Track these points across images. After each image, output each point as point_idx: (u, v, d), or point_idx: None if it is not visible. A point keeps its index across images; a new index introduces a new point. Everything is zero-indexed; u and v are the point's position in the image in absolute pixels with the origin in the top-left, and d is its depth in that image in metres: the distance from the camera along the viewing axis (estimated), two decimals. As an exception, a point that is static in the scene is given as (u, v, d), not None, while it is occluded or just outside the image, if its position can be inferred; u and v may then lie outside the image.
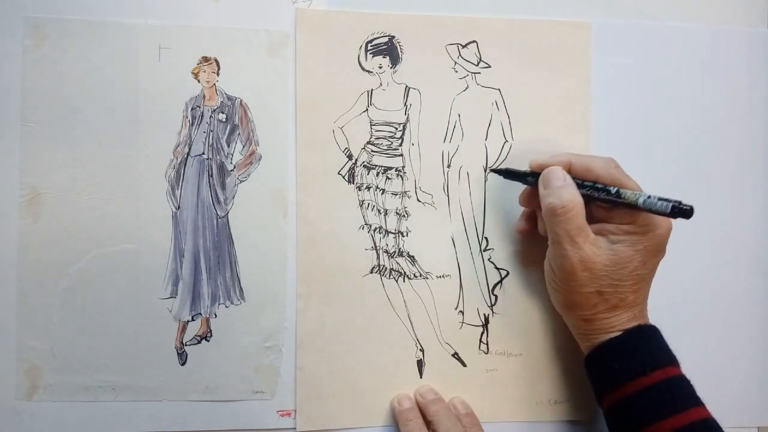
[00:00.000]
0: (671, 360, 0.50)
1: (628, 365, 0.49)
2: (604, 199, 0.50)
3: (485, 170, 0.59)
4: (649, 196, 0.48)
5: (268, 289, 0.57)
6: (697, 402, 0.48)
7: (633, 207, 0.49)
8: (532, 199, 0.55)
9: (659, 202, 0.47)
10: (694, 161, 0.61)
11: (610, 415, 0.51)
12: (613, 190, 0.50)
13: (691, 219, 0.61)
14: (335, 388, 0.57)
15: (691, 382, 0.49)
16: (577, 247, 0.49)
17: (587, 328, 0.52)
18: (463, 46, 0.59)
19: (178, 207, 0.57)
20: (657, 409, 0.47)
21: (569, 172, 0.52)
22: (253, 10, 0.57)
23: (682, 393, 0.49)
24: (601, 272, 0.49)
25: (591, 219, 0.51)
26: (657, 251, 0.50)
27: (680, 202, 0.47)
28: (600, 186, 0.50)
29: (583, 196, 0.50)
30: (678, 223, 0.60)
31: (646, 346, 0.50)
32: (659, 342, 0.51)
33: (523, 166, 0.56)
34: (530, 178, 0.54)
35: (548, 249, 0.52)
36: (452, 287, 0.59)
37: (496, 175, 0.57)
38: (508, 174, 0.56)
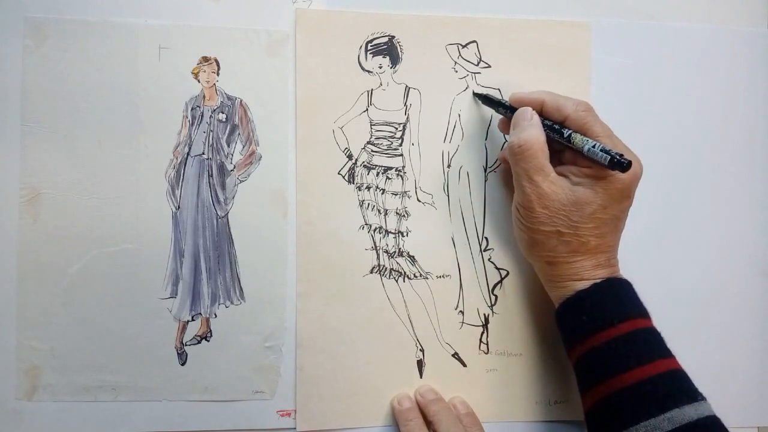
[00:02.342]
0: (640, 312, 0.50)
1: (595, 317, 0.49)
2: (558, 141, 0.51)
3: (485, 170, 0.59)
4: (594, 145, 0.49)
5: (268, 289, 0.57)
6: (666, 353, 0.48)
7: (579, 152, 0.50)
8: (507, 129, 0.56)
9: (600, 153, 0.48)
10: (694, 161, 0.61)
11: (577, 368, 0.51)
12: (566, 133, 0.50)
13: (691, 219, 0.61)
14: (335, 388, 0.57)
15: (665, 336, 0.49)
16: (535, 185, 0.50)
17: (553, 273, 0.52)
18: (463, 46, 0.59)
19: (178, 207, 0.57)
20: (623, 360, 0.47)
21: (541, 111, 0.53)
22: (253, 10, 0.57)
23: (650, 344, 0.48)
24: (559, 211, 0.49)
25: (564, 161, 0.52)
26: (620, 197, 0.50)
27: (620, 155, 0.47)
28: (557, 127, 0.51)
29: (548, 138, 0.51)
30: (678, 222, 0.61)
31: (614, 299, 0.50)
32: (629, 294, 0.50)
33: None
34: (503, 109, 0.56)
35: (514, 188, 0.53)
36: (452, 287, 0.59)
37: (475, 98, 0.58)
38: (486, 100, 0.57)
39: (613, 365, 0.48)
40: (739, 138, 0.62)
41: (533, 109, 0.52)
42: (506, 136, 0.58)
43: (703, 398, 0.47)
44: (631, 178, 0.49)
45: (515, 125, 0.52)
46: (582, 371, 0.51)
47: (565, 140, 0.51)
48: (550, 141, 0.51)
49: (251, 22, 0.57)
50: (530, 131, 0.51)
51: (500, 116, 0.57)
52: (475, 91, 0.59)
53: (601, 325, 0.49)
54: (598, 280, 0.50)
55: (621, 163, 0.47)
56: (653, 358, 0.48)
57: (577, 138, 0.50)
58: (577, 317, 0.50)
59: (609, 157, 0.47)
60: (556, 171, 0.51)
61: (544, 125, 0.52)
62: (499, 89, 0.59)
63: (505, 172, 0.59)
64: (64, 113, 0.55)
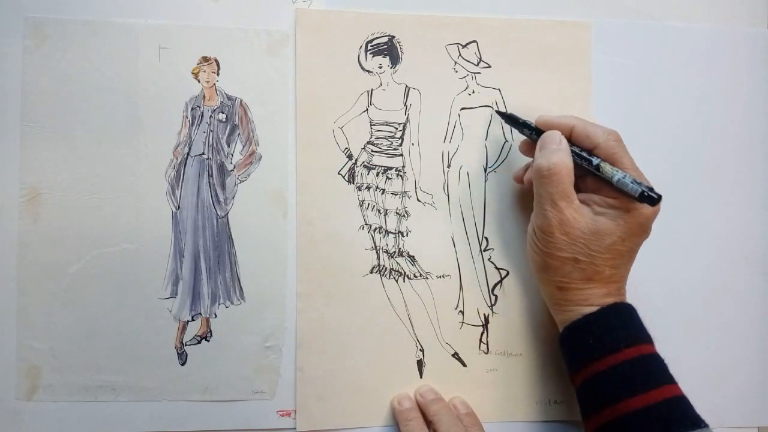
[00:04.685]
0: (646, 338, 0.50)
1: (602, 341, 0.49)
2: (587, 168, 0.51)
3: (485, 170, 0.59)
4: (625, 176, 0.48)
5: (268, 289, 0.57)
6: (670, 380, 0.48)
7: (608, 182, 0.49)
8: (530, 151, 0.55)
9: (631, 184, 0.48)
10: (694, 161, 0.61)
11: (582, 392, 0.51)
12: (595, 161, 0.50)
13: (691, 219, 0.61)
14: (335, 388, 0.57)
15: (666, 362, 0.49)
16: (558, 210, 0.49)
17: (561, 298, 0.52)
18: (463, 46, 0.59)
19: (178, 207, 0.57)
20: (629, 386, 0.47)
21: (570, 136, 0.52)
22: (253, 10, 0.57)
23: (655, 370, 0.49)
24: (578, 238, 0.49)
25: (584, 188, 0.52)
26: (640, 231, 0.50)
27: (651, 188, 0.48)
28: (585, 155, 0.51)
29: (574, 164, 0.51)
30: (678, 222, 0.61)
31: (622, 323, 0.50)
32: (635, 320, 0.51)
33: (523, 164, 0.56)
34: (527, 130, 0.54)
35: (533, 210, 0.53)
36: (452, 287, 0.59)
37: (498, 117, 0.57)
38: (510, 119, 0.56)
39: (622, 390, 0.48)
40: (739, 138, 0.62)
41: (563, 134, 0.52)
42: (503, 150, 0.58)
43: (706, 425, 0.47)
44: (653, 214, 0.50)
45: (542, 147, 0.51)
46: (588, 394, 0.50)
47: (593, 168, 0.50)
48: (575, 168, 0.50)
49: (251, 22, 0.57)
50: (560, 155, 0.50)
51: (523, 138, 0.56)
52: (498, 110, 0.58)
53: (609, 349, 0.49)
54: (605, 305, 0.50)
55: (651, 198, 0.47)
56: (660, 384, 0.48)
57: (607, 167, 0.49)
58: (583, 340, 0.50)
59: (640, 190, 0.47)
60: (578, 198, 0.50)
61: (572, 151, 0.51)
62: (499, 89, 0.59)
63: (505, 172, 0.59)
64: (64, 113, 0.55)
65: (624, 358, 0.48)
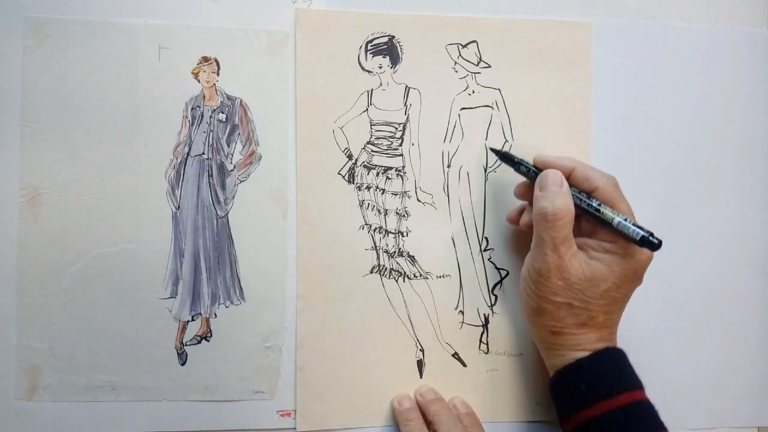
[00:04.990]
0: (637, 384, 0.50)
1: (595, 387, 0.49)
2: (586, 210, 0.50)
3: (485, 170, 0.59)
4: (625, 219, 0.48)
5: (268, 289, 0.57)
6: (661, 426, 0.48)
7: (608, 225, 0.49)
8: (527, 193, 0.54)
9: (632, 228, 0.48)
10: (694, 161, 0.61)
11: None
12: (595, 203, 0.50)
13: (691, 219, 0.61)
14: (335, 388, 0.57)
15: (665, 405, 0.49)
16: (559, 255, 0.49)
17: (554, 342, 0.51)
18: (463, 46, 0.59)
19: (178, 207, 0.57)
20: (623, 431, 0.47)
21: (569, 177, 0.51)
22: (253, 10, 0.57)
23: (647, 416, 0.49)
24: (574, 284, 0.49)
25: (578, 232, 0.51)
26: (633, 278, 0.50)
27: (651, 234, 0.47)
28: (584, 197, 0.50)
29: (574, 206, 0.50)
30: (678, 223, 0.61)
31: (615, 369, 0.50)
32: (626, 365, 0.50)
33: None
34: (524, 168, 0.54)
35: (529, 252, 0.52)
36: (452, 287, 0.59)
37: (493, 154, 0.56)
38: (505, 158, 0.55)
39: None
40: (739, 138, 0.62)
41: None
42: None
43: None
44: (648, 260, 0.50)
45: (543, 188, 0.51)
46: None
47: (593, 210, 0.50)
48: None
49: (251, 22, 0.57)
50: (563, 199, 0.49)
51: (520, 176, 0.54)
52: (493, 148, 0.57)
53: (601, 394, 0.48)
54: (598, 350, 0.50)
55: (652, 242, 0.47)
56: (654, 430, 0.48)
57: (608, 210, 0.49)
58: (575, 385, 0.50)
59: (642, 233, 0.47)
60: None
61: (572, 194, 0.50)
62: (499, 89, 0.59)
63: (504, 174, 0.59)
64: (64, 113, 0.55)
65: (617, 404, 0.48)
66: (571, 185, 0.51)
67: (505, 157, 0.55)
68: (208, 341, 0.56)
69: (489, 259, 0.59)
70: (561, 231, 0.49)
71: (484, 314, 0.59)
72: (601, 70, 0.60)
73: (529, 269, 0.52)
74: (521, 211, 0.55)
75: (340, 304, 0.57)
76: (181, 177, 0.57)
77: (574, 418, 0.50)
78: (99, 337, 0.55)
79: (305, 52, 0.57)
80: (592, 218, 0.50)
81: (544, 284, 0.50)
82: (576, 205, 0.50)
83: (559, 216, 0.49)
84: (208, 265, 0.57)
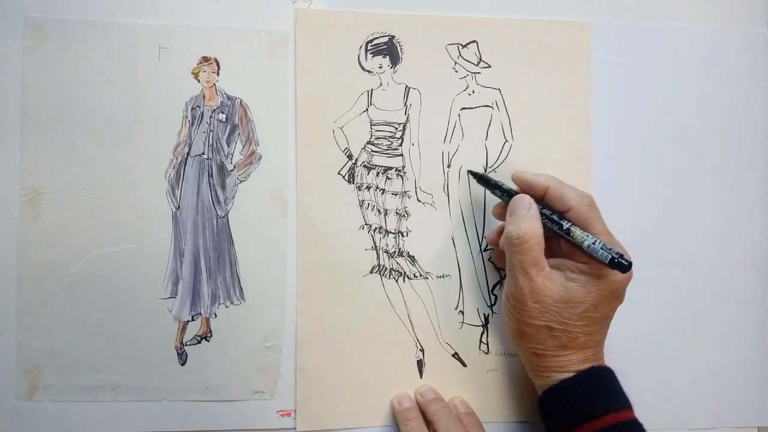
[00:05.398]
0: (624, 403, 0.49)
1: (580, 408, 0.48)
2: (557, 232, 0.50)
3: (485, 170, 0.59)
4: (595, 241, 0.48)
5: (268, 289, 0.57)
6: None
7: (578, 248, 0.49)
8: (503, 214, 0.54)
9: (601, 251, 0.47)
10: (694, 161, 0.61)
11: None
12: (566, 225, 0.49)
13: (691, 219, 0.61)
14: (335, 388, 0.57)
15: (655, 421, 0.49)
16: (529, 279, 0.49)
17: (539, 364, 0.51)
18: (463, 46, 0.59)
19: (178, 207, 0.57)
20: None
21: (544, 196, 0.51)
22: (253, 10, 0.57)
23: None
24: (550, 307, 0.49)
25: (558, 252, 0.52)
26: (612, 298, 0.50)
27: (621, 255, 0.47)
28: (556, 218, 0.50)
29: (544, 226, 0.50)
30: (678, 223, 0.61)
31: (599, 389, 0.49)
32: (613, 384, 0.50)
33: (524, 167, 0.56)
34: (499, 191, 0.54)
35: (506, 277, 0.52)
36: (452, 287, 0.59)
37: (470, 176, 0.57)
38: (483, 180, 0.56)
39: None
40: (739, 138, 0.62)
41: (536, 194, 0.51)
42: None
43: None
44: (626, 280, 0.49)
45: (512, 212, 0.51)
46: None
47: (563, 233, 0.49)
48: (545, 230, 0.50)
49: (251, 22, 0.57)
50: (529, 222, 0.49)
51: (496, 199, 0.55)
52: (471, 171, 0.57)
53: (586, 416, 0.48)
54: (582, 370, 0.50)
55: (621, 264, 0.46)
56: None
57: (577, 232, 0.49)
58: (561, 406, 0.50)
59: (610, 256, 0.47)
60: (550, 264, 0.50)
61: (542, 215, 0.50)
62: (499, 89, 0.59)
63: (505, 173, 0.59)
64: (64, 113, 0.55)
65: (602, 426, 0.47)
66: (545, 205, 0.51)
67: (483, 179, 0.56)
68: (208, 341, 0.56)
69: (489, 259, 0.59)
70: (527, 254, 0.49)
71: (484, 314, 0.59)
72: (601, 70, 0.60)
73: (506, 293, 0.52)
74: (500, 233, 0.55)
75: (340, 304, 0.57)
76: (181, 177, 0.57)
77: None
78: (99, 337, 0.55)
79: (305, 52, 0.57)
80: (566, 240, 0.50)
81: (521, 308, 0.50)
82: (548, 227, 0.50)
83: (523, 239, 0.49)
84: (208, 265, 0.57)
